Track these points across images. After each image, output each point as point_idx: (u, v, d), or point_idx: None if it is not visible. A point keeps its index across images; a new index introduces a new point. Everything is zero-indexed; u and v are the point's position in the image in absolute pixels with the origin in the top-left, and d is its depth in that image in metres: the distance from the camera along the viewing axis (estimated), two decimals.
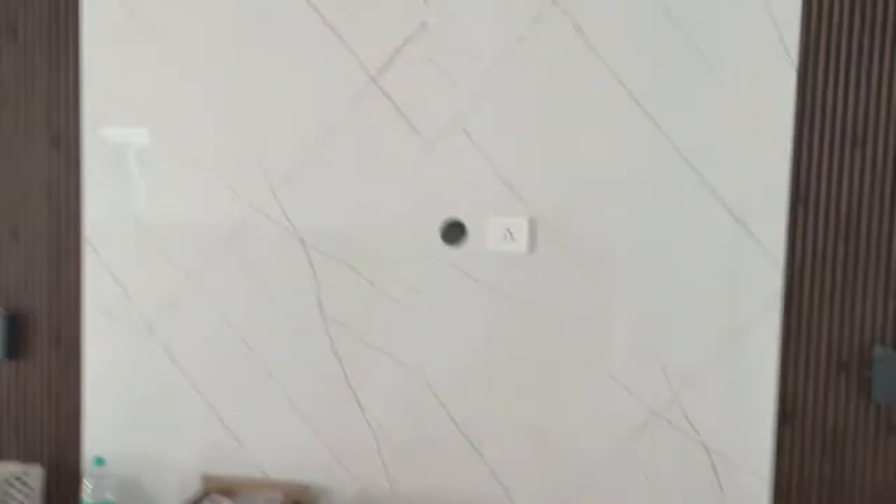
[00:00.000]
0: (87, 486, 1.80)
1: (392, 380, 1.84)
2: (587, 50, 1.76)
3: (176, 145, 1.89)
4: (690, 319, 1.75)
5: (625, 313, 1.77)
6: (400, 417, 1.85)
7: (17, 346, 1.97)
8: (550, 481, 1.80)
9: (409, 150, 1.82)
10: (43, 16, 1.93)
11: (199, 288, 1.89)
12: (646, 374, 1.76)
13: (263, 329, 1.88)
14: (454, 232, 1.83)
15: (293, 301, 1.87)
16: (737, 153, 1.72)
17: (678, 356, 1.75)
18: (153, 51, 1.89)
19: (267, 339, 1.88)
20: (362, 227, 1.84)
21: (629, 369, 1.77)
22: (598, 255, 1.78)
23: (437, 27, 1.80)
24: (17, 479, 1.82)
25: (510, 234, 1.80)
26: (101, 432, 1.94)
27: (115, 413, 1.94)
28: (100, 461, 1.83)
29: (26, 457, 1.96)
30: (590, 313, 1.78)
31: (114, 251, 1.92)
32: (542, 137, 1.78)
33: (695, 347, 1.75)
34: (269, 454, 1.90)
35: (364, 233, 1.84)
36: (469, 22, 1.79)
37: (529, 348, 1.80)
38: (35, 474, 1.85)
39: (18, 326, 1.97)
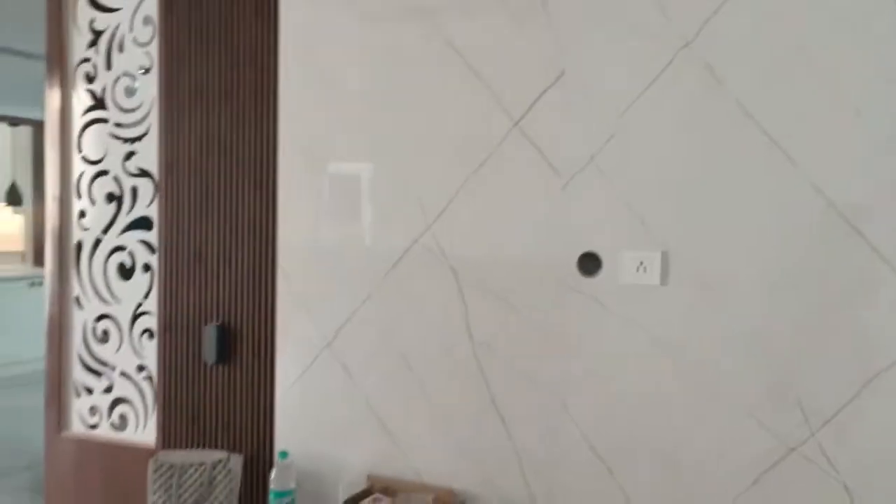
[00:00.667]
0: (273, 476, 2.13)
1: (533, 400, 1.99)
2: (719, 89, 1.80)
3: (348, 184, 2.18)
4: (828, 354, 1.73)
5: (758, 347, 1.79)
6: (539, 436, 1.99)
7: (227, 352, 2.36)
8: None
9: (549, 187, 1.97)
10: (250, 82, 2.31)
11: (368, 310, 2.17)
12: (781, 408, 1.77)
13: (419, 349, 2.11)
14: (590, 264, 1.94)
15: (445, 323, 2.08)
16: (876, 189, 1.68)
17: (816, 390, 1.74)
18: (332, 102, 2.19)
19: (422, 357, 2.11)
20: (506, 258, 2.02)
21: (764, 403, 1.78)
22: (731, 289, 1.81)
23: (575, 73, 1.93)
24: (223, 464, 2.19)
25: (643, 266, 1.89)
26: (289, 430, 2.28)
27: (300, 414, 2.26)
28: (284, 454, 2.15)
29: (230, 446, 2.34)
30: (722, 345, 1.82)
31: (301, 276, 2.25)
32: (673, 174, 1.85)
33: (834, 382, 1.72)
34: (425, 461, 2.12)
35: (508, 263, 2.02)
36: (604, 67, 1.90)
37: (662, 379, 1.87)
38: (236, 461, 2.22)
39: (228, 336, 2.36)
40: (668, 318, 1.87)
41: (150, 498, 2.15)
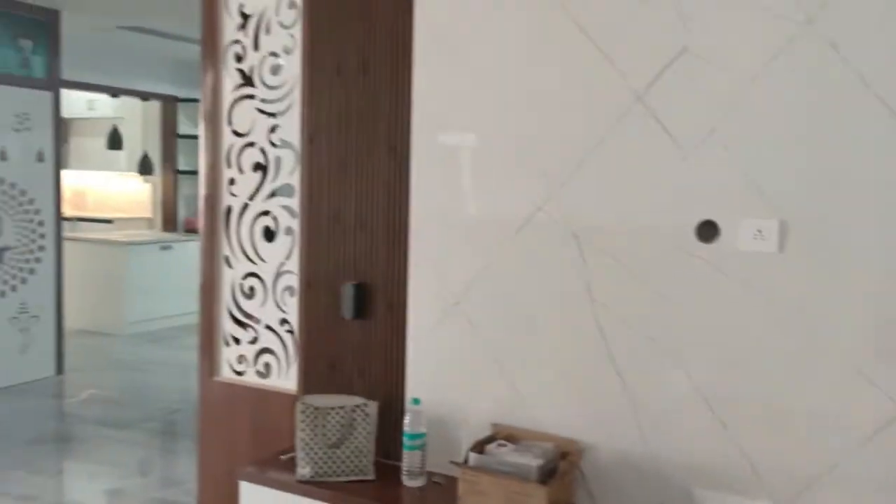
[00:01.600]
0: (407, 420, 2.35)
1: (649, 356, 2.13)
2: (841, 63, 1.87)
3: (480, 152, 2.35)
4: None
5: (872, 312, 1.87)
6: (655, 390, 2.13)
7: (363, 308, 2.59)
8: (794, 463, 1.96)
9: (670, 159, 2.08)
10: (386, 59, 2.51)
11: (492, 271, 2.34)
12: (893, 370, 1.85)
13: (542, 308, 2.28)
14: (708, 230, 2.05)
15: (566, 285, 2.24)
16: None
17: None
18: (460, 74, 2.36)
19: (544, 316, 2.28)
20: (626, 225, 2.15)
21: (877, 365, 1.86)
22: (847, 256, 1.89)
23: (697, 48, 2.03)
24: (360, 408, 2.43)
25: (761, 234, 1.98)
26: (420, 378, 2.49)
27: (429, 366, 2.47)
28: (416, 401, 2.37)
29: (367, 393, 2.57)
30: (837, 311, 1.91)
31: (431, 238, 2.44)
32: (792, 146, 1.94)
33: None
34: (545, 411, 2.29)
35: (627, 230, 2.15)
36: (726, 42, 1.99)
37: (778, 340, 1.97)
38: (372, 407, 2.45)
39: (363, 294, 2.59)
40: (784, 282, 1.96)
41: (299, 434, 2.40)
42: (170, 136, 8.18)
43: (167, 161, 8.24)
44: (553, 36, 2.22)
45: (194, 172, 8.29)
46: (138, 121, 8.31)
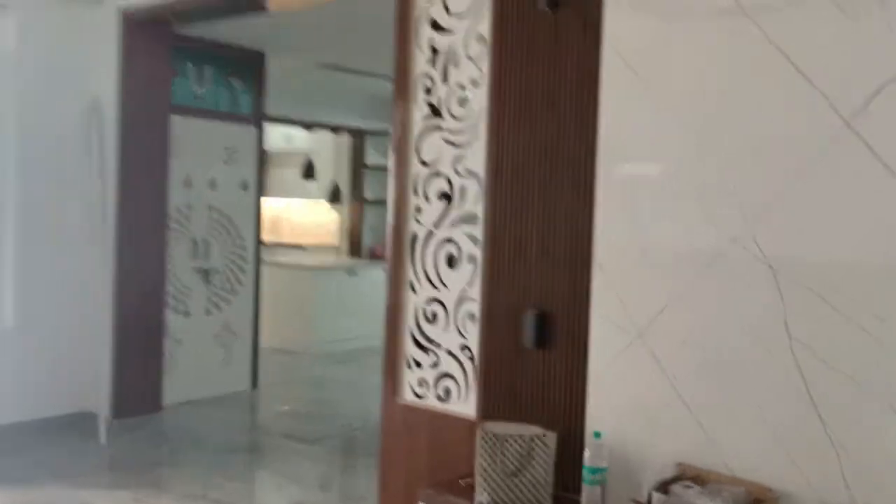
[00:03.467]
0: (587, 453, 2.30)
1: (857, 402, 1.96)
2: None
3: (669, 183, 2.28)
4: None
5: None
6: (863, 438, 1.95)
7: (544, 337, 2.58)
8: None
9: (882, 188, 1.92)
10: (573, 92, 2.52)
11: (680, 305, 2.26)
12: None
13: (734, 343, 2.16)
14: None
15: (761, 322, 2.11)
16: None
17: None
18: (650, 104, 2.32)
19: (737, 352, 2.16)
20: (832, 260, 2.00)
21: None
22: None
23: None
24: (539, 439, 2.41)
25: None
26: (601, 412, 2.44)
27: (611, 398, 2.41)
28: (598, 434, 2.32)
29: (546, 424, 2.55)
30: None
31: (615, 269, 2.40)
32: None
33: None
34: (735, 454, 2.17)
35: (834, 265, 2.00)
36: None
37: None
38: (551, 438, 2.42)
39: (545, 323, 2.58)
40: None
41: (478, 461, 2.42)
42: (358, 166, 8.62)
43: (355, 190, 8.68)
44: (748, 57, 2.13)
45: (380, 202, 8.69)
46: (330, 152, 8.84)
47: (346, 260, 8.61)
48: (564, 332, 2.54)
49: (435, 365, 2.98)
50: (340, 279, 7.93)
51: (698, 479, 2.19)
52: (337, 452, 5.09)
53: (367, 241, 8.75)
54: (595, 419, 2.45)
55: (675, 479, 2.18)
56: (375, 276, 8.17)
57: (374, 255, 8.55)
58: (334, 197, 8.62)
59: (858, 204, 1.96)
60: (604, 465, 2.30)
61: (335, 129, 8.36)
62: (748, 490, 2.11)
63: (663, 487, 2.14)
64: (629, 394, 2.38)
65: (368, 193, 8.68)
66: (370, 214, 8.76)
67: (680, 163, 2.26)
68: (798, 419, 2.06)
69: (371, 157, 8.62)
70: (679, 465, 2.26)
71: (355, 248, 8.71)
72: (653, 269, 2.32)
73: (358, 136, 8.54)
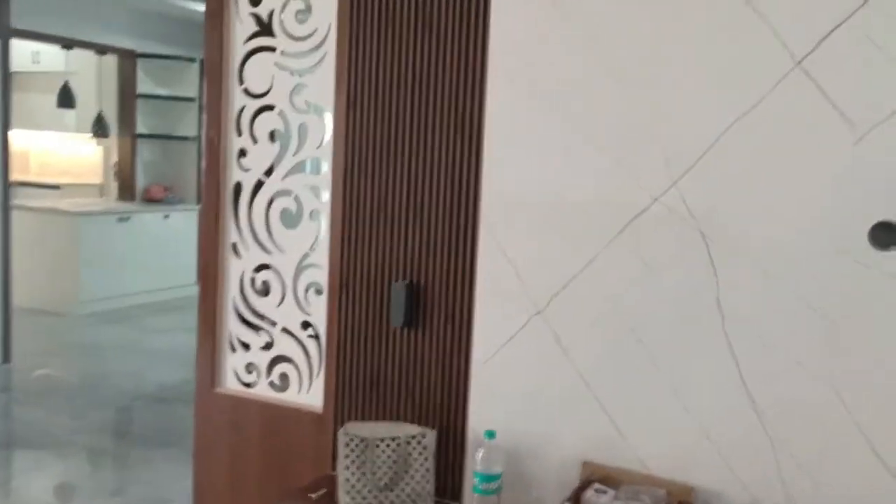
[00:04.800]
0: (479, 457, 1.89)
1: (800, 389, 1.71)
2: None
3: (577, 125, 1.87)
4: None
5: None
6: (805, 429, 1.71)
7: (415, 315, 2.11)
8: None
9: (837, 141, 1.64)
10: (453, 5, 2.00)
11: (591, 272, 1.89)
12: None
13: (654, 319, 1.84)
14: (885, 235, 1.63)
15: (688, 293, 1.80)
16: None
17: None
18: (559, 25, 1.88)
19: (657, 329, 1.83)
20: (774, 224, 1.71)
21: None
22: None
23: (881, 2, 1.59)
24: (416, 440, 1.96)
25: None
26: (485, 405, 2.03)
27: (500, 389, 2.01)
28: (491, 434, 1.91)
29: (418, 419, 2.11)
30: None
31: (508, 231, 1.97)
32: None
33: None
34: (652, 449, 1.86)
35: (775, 230, 1.71)
36: None
37: None
38: (430, 437, 1.98)
39: (416, 296, 2.10)
40: None
41: (342, 473, 1.93)
42: (128, 95, 7.43)
43: (125, 123, 7.50)
44: None
45: (156, 136, 7.61)
46: (92, 77, 7.54)
47: (114, 203, 7.48)
48: (441, 308, 2.08)
49: (268, 346, 2.40)
50: (109, 226, 6.86)
51: (608, 479, 1.87)
52: (121, 441, 4.30)
53: (142, 181, 7.66)
54: (479, 414, 2.04)
55: (586, 485, 1.84)
56: (151, 223, 7.19)
57: (150, 198, 7.51)
58: (99, 130, 7.39)
59: (807, 159, 1.68)
60: (499, 469, 1.91)
61: (101, 50, 7.12)
62: (669, 491, 1.81)
63: (575, 497, 1.79)
64: (524, 382, 1.99)
65: (142, 126, 7.55)
66: (145, 150, 7.66)
67: (594, 99, 1.86)
68: (729, 410, 1.78)
69: (144, 85, 7.47)
70: (585, 464, 1.92)
71: (127, 189, 7.59)
72: (558, 231, 1.92)
73: (128, 58, 7.34)
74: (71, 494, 3.50)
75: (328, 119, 2.23)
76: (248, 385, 2.45)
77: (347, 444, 1.94)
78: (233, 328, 2.45)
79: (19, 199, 6.72)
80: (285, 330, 2.37)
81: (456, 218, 2.05)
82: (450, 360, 2.08)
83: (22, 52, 7.03)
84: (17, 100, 7.65)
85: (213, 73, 2.38)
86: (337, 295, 2.22)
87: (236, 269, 2.43)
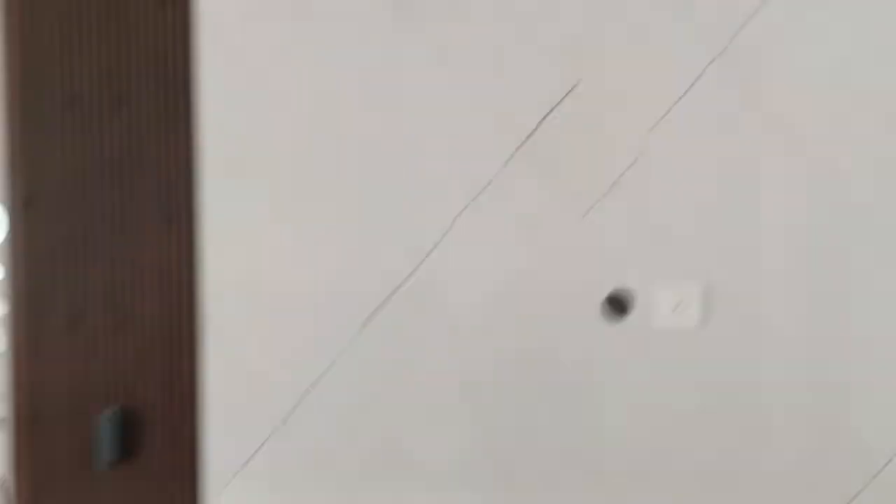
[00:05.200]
0: None
1: (548, 462, 1.67)
2: (755, 100, 1.64)
3: (299, 208, 1.71)
4: (878, 388, 1.62)
5: (804, 387, 1.64)
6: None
7: (129, 450, 1.76)
8: None
9: (566, 217, 1.68)
10: (151, 83, 1.76)
11: (335, 375, 1.71)
12: (840, 453, 1.63)
13: (411, 421, 1.70)
14: (618, 304, 1.68)
15: (437, 384, 1.70)
16: None
17: (868, 428, 1.62)
18: (266, 95, 1.73)
19: (419, 429, 1.70)
20: (514, 302, 1.69)
21: (818, 447, 1.63)
22: (774, 325, 1.64)
23: (594, 83, 1.67)
24: None
25: (681, 305, 1.66)
26: None
27: None
28: None
29: None
30: (769, 391, 1.64)
31: (237, 332, 1.73)
32: (708, 195, 1.66)
33: (887, 419, 1.62)
34: None
35: (516, 308, 1.69)
36: (627, 76, 1.66)
37: (705, 433, 1.65)
38: None
39: (130, 427, 1.76)
40: (709, 361, 1.66)
41: None
42: None
43: None
44: (420, 62, 1.70)
45: None
46: None
47: None
48: (163, 439, 1.76)
49: None
50: None
51: None
52: None
53: None
54: None
55: None
56: None
57: None
58: None
59: (539, 236, 1.69)
60: None
61: None
62: None
63: None
64: None
65: None
66: None
67: (323, 180, 1.72)
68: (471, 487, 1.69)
69: None
70: None
71: None
72: (294, 329, 1.72)
73: None
74: None
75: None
76: None
77: None
78: None
79: None
80: None
81: (172, 323, 1.75)
82: (175, 500, 1.75)
83: None
84: None
85: None
86: (22, 432, 1.78)
87: None
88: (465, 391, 1.69)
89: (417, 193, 1.70)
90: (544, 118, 1.67)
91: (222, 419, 1.74)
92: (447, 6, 1.68)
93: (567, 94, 1.67)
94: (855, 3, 1.63)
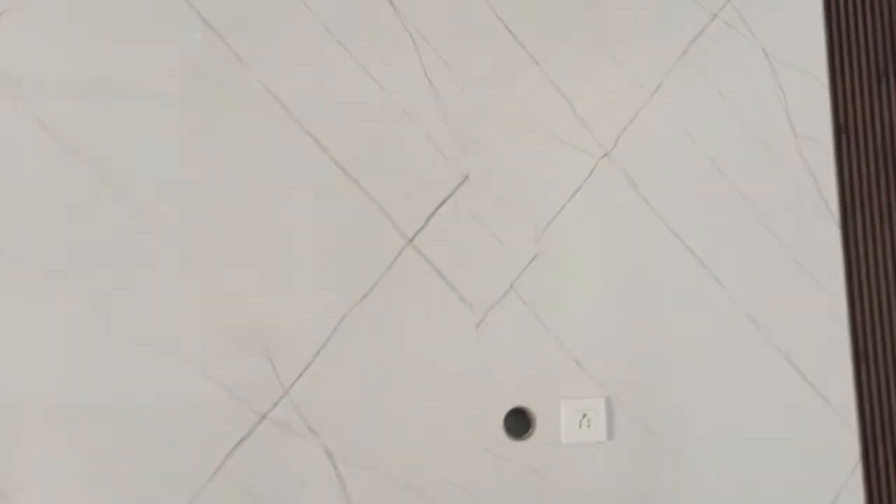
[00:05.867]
0: None
1: None
2: (643, 204, 1.59)
3: (145, 319, 1.36)
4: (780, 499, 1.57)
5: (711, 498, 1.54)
6: None
7: None
8: None
9: (460, 326, 1.49)
10: None
11: None
12: None
13: None
14: (520, 423, 1.50)
15: None
16: (797, 310, 1.62)
17: None
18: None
19: None
20: (403, 425, 1.44)
21: None
22: (678, 436, 1.55)
23: (481, 180, 1.53)
24: None
25: (587, 419, 1.51)
26: None
27: None
28: None
29: None
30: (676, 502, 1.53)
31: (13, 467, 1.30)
32: (605, 302, 1.55)
33: None
34: None
35: (406, 432, 1.44)
36: (514, 175, 1.55)
37: None
38: None
39: None
40: (615, 477, 1.51)
41: None
42: None
43: None
44: (279, 147, 1.45)
45: None
46: None
47: None
48: None
49: None
50: None
51: None
52: None
53: None
54: None
55: None
56: None
57: None
58: None
59: (431, 350, 1.48)
60: None
61: None
62: None
63: None
64: None
65: None
66: None
67: (166, 297, 1.39)
68: None
69: None
70: None
71: None
72: (136, 468, 1.33)
73: None
74: None
75: None
76: None
77: None
78: None
79: None
80: None
81: None
82: None
83: None
84: None
85: None
86: None
87: None
88: None
89: (286, 313, 1.43)
90: (431, 216, 1.50)
91: None
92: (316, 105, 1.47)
93: (455, 190, 1.51)
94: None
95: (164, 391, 1.34)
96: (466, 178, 1.52)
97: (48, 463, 1.28)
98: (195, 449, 1.34)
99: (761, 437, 1.57)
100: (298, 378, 1.41)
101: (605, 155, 1.59)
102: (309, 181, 1.45)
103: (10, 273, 1.29)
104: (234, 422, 1.37)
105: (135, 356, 1.33)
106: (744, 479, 1.56)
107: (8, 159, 1.31)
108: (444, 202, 1.50)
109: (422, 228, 1.49)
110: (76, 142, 1.34)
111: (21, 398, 1.28)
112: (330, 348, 1.43)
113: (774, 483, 1.56)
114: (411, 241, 1.48)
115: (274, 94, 1.44)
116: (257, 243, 1.41)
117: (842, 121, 1.71)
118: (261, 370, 1.39)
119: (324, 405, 1.41)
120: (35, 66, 1.34)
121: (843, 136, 1.70)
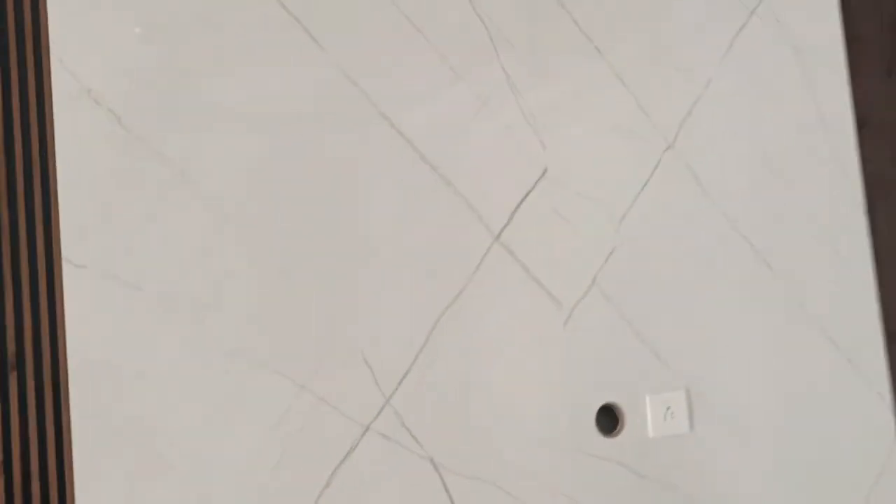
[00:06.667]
0: None
1: None
2: (704, 196, 1.61)
3: (236, 332, 1.24)
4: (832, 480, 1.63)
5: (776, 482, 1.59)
6: None
7: None
8: None
9: (549, 325, 1.45)
10: None
11: None
12: None
13: None
14: (609, 419, 1.48)
15: None
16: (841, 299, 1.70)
17: None
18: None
19: None
20: (499, 430, 1.39)
21: None
22: (748, 423, 1.58)
23: (559, 174, 1.50)
24: None
25: (671, 412, 1.51)
26: None
27: None
28: None
29: None
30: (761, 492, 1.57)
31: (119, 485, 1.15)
32: (677, 294, 1.56)
33: None
34: None
35: (502, 437, 1.39)
36: (588, 167, 1.53)
37: None
38: None
39: None
40: (700, 468, 1.53)
41: None
42: None
43: None
44: (377, 155, 1.36)
45: None
46: None
47: None
48: None
49: None
50: None
51: None
52: None
53: None
54: None
55: None
56: None
57: None
58: None
59: (520, 352, 1.43)
60: None
61: None
62: None
63: None
64: None
65: None
66: None
67: (259, 303, 1.26)
68: None
69: None
70: None
71: None
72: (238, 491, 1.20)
73: None
74: None
75: None
76: None
77: None
78: None
79: None
80: None
81: None
82: None
83: None
84: None
85: None
86: None
87: None
88: None
89: (379, 314, 1.33)
90: (515, 211, 1.45)
91: None
92: (403, 96, 1.38)
93: (536, 183, 1.47)
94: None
95: (259, 406, 1.22)
96: (545, 171, 1.48)
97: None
98: (301, 466, 1.23)
99: (815, 428, 1.62)
100: (399, 385, 1.32)
101: (669, 147, 1.59)
102: (395, 179, 1.36)
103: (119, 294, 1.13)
104: (338, 435, 1.26)
105: (226, 370, 1.21)
106: (801, 462, 1.61)
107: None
108: (526, 196, 1.46)
109: (507, 224, 1.44)
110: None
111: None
112: (426, 353, 1.35)
113: (825, 468, 1.62)
114: (498, 237, 1.43)
115: (359, 86, 1.34)
116: (342, 244, 1.31)
117: (861, 115, 1.80)
118: (361, 379, 1.30)
119: (423, 412, 1.33)
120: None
121: (863, 129, 1.79)
